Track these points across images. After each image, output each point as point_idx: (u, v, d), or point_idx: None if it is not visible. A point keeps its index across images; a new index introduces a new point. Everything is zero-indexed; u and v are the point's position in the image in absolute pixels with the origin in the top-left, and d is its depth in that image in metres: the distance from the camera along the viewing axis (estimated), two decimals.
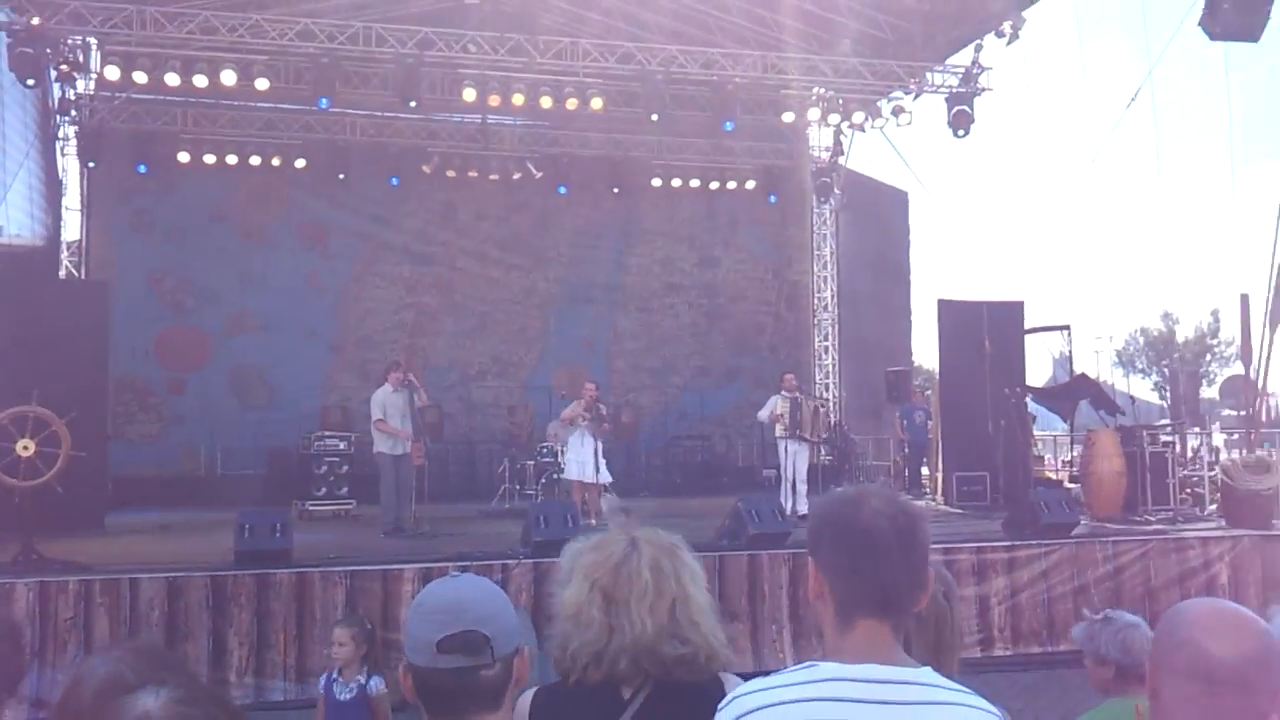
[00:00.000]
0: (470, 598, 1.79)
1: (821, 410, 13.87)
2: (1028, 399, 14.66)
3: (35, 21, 12.86)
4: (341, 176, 17.67)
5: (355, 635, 5.89)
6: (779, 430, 13.30)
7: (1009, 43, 14.76)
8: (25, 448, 9.05)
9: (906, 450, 16.77)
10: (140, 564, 8.95)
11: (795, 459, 13.04)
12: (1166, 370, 41.17)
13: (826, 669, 1.74)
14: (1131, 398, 17.94)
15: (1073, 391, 14.64)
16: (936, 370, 16.50)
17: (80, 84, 16.53)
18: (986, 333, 14.26)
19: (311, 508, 13.55)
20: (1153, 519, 11.80)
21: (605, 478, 12.57)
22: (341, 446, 14.11)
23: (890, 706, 1.69)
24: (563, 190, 18.86)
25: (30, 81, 13.59)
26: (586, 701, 2.15)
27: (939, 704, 1.71)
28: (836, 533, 1.80)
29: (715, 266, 20.10)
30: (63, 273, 17.07)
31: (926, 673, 1.77)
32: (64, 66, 14.75)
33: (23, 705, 4.21)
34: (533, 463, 14.10)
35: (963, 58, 15.88)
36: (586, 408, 12.52)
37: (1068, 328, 16.10)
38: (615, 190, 18.89)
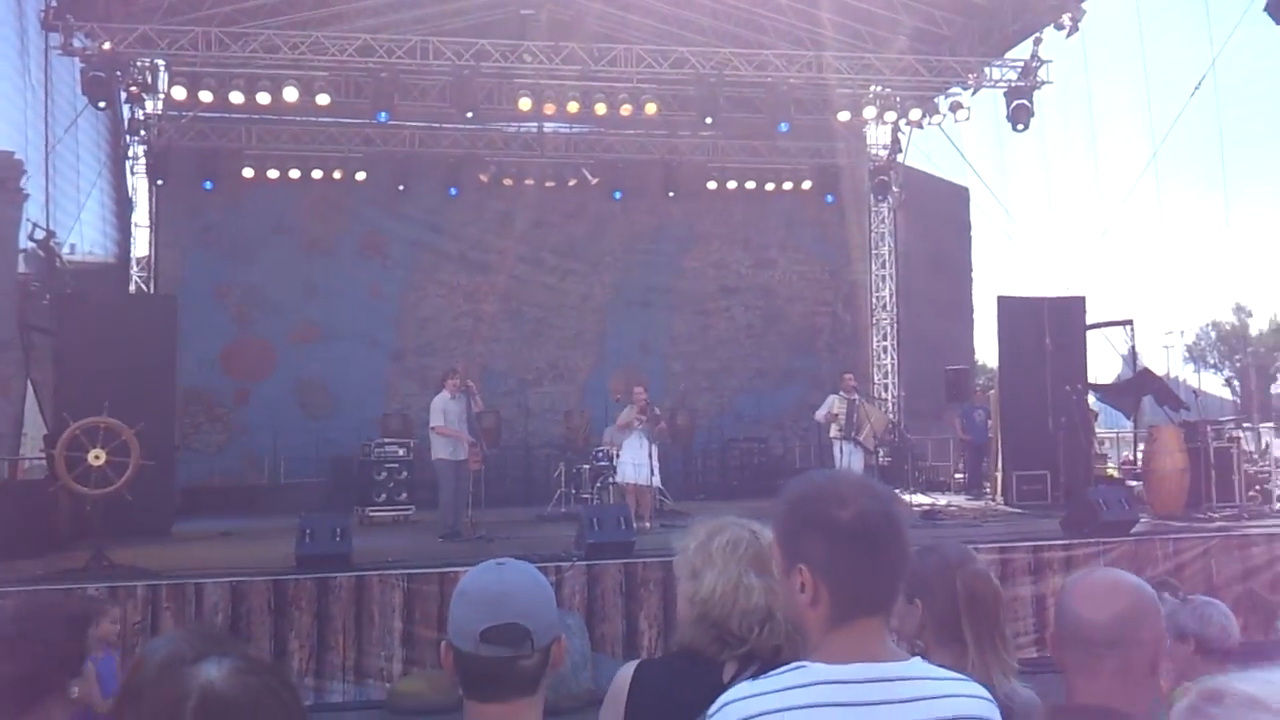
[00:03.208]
0: (514, 590, 1.85)
1: (891, 421, 13.70)
2: (1090, 396, 14.41)
3: (106, 46, 13.32)
4: (401, 188, 17.97)
5: None
6: (834, 430, 13.26)
7: (1068, 35, 14.55)
8: (97, 457, 9.37)
9: (966, 450, 16.58)
10: (205, 570, 9.20)
11: (850, 459, 12.98)
12: (1239, 365, 40.05)
13: (816, 671, 1.68)
14: (1195, 393, 17.49)
15: (1136, 388, 14.35)
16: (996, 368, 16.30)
17: (149, 104, 17.06)
18: (1047, 329, 14.08)
19: (372, 513, 13.78)
20: (1216, 516, 11.55)
21: (656, 482, 12.61)
22: (401, 453, 14.34)
23: (883, 707, 1.65)
24: (618, 195, 18.96)
25: (102, 104, 14.08)
26: (687, 677, 2.19)
27: (932, 697, 1.69)
28: (830, 535, 1.71)
29: (771, 268, 20.01)
30: (132, 288, 17.60)
31: (917, 664, 1.74)
32: (133, 88, 15.24)
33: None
34: (588, 467, 14.21)
35: (1021, 51, 15.68)
36: (640, 411, 12.57)
37: (1130, 322, 15.78)
38: (670, 194, 18.90)
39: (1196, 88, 15.72)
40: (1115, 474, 15.46)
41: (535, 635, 1.81)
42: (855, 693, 1.66)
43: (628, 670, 2.31)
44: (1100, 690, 1.88)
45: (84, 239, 15.96)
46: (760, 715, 1.65)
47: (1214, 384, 42.47)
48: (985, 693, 1.78)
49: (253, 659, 1.36)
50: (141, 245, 17.99)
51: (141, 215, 17.98)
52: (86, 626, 2.41)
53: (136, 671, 1.49)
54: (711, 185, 19.20)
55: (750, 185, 19.29)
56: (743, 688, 1.73)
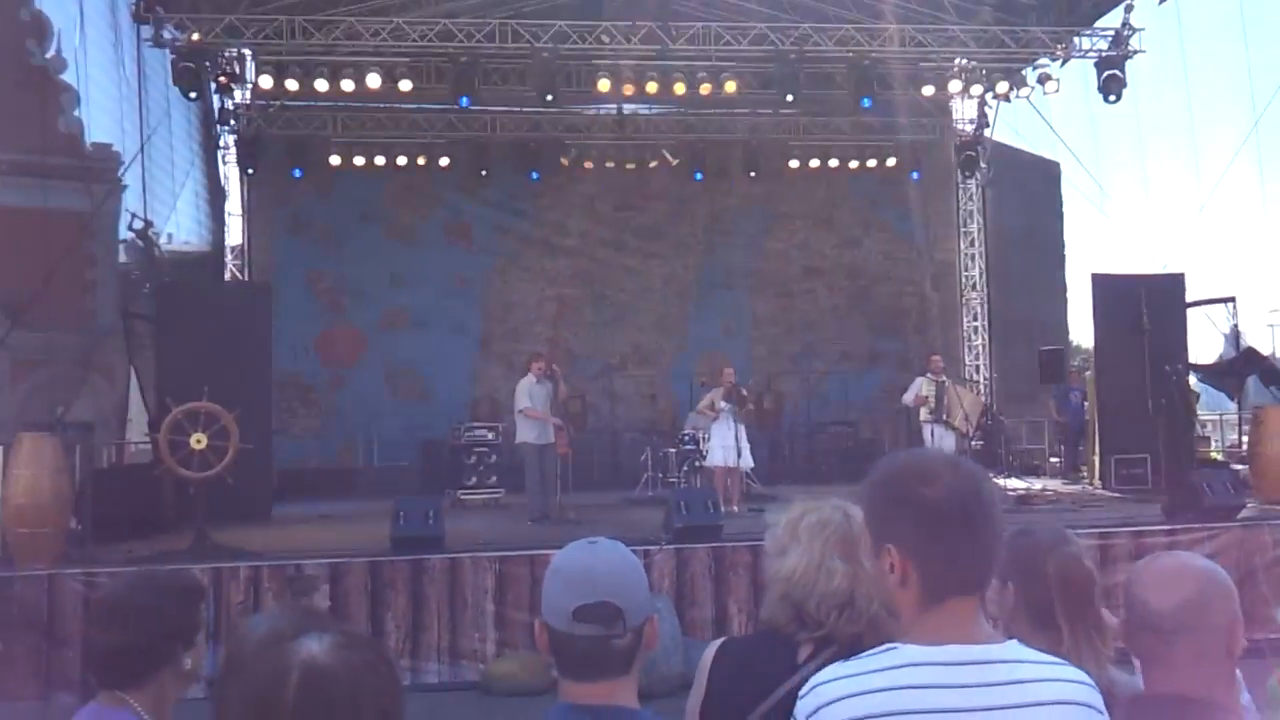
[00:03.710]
0: (606, 568, 1.86)
1: (968, 400, 13.45)
2: (1191, 377, 13.96)
3: (195, 37, 13.61)
4: (484, 173, 18.10)
5: None
6: (924, 414, 13.05)
7: (1161, 1, 14.06)
8: (198, 441, 9.54)
9: (1062, 434, 16.20)
10: (304, 551, 9.41)
11: (942, 443, 12.72)
12: None
13: (908, 652, 1.65)
14: None
15: (1240, 368, 13.87)
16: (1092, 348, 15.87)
17: (237, 94, 17.40)
18: (1145, 308, 13.65)
19: (463, 496, 13.93)
20: None
21: (748, 463, 12.53)
22: (490, 437, 14.47)
23: (978, 689, 1.61)
24: (699, 176, 18.81)
25: (193, 94, 14.40)
26: (764, 656, 2.23)
27: (1030, 681, 1.64)
28: (918, 514, 1.68)
29: (856, 248, 19.74)
30: (227, 275, 18.04)
31: (1013, 647, 1.69)
32: (222, 78, 15.54)
33: (200, 684, 4.49)
34: (675, 450, 14.18)
35: (1112, 19, 15.19)
36: (726, 394, 12.50)
37: (1233, 300, 15.25)
38: (752, 174, 18.72)
39: None
40: (1219, 458, 14.96)
41: (627, 614, 1.81)
42: (949, 674, 1.62)
43: (712, 647, 2.35)
44: (1176, 678, 1.86)
45: (180, 228, 16.37)
46: (853, 696, 1.63)
47: None
48: (1086, 678, 1.72)
49: (353, 635, 1.38)
50: (235, 234, 18.44)
51: (234, 204, 18.43)
52: (201, 600, 2.47)
53: (238, 646, 1.52)
54: (794, 164, 18.97)
55: (833, 163, 18.99)
56: (835, 669, 1.71)
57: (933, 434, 12.86)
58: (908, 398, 13.34)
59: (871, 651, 1.70)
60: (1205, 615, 1.85)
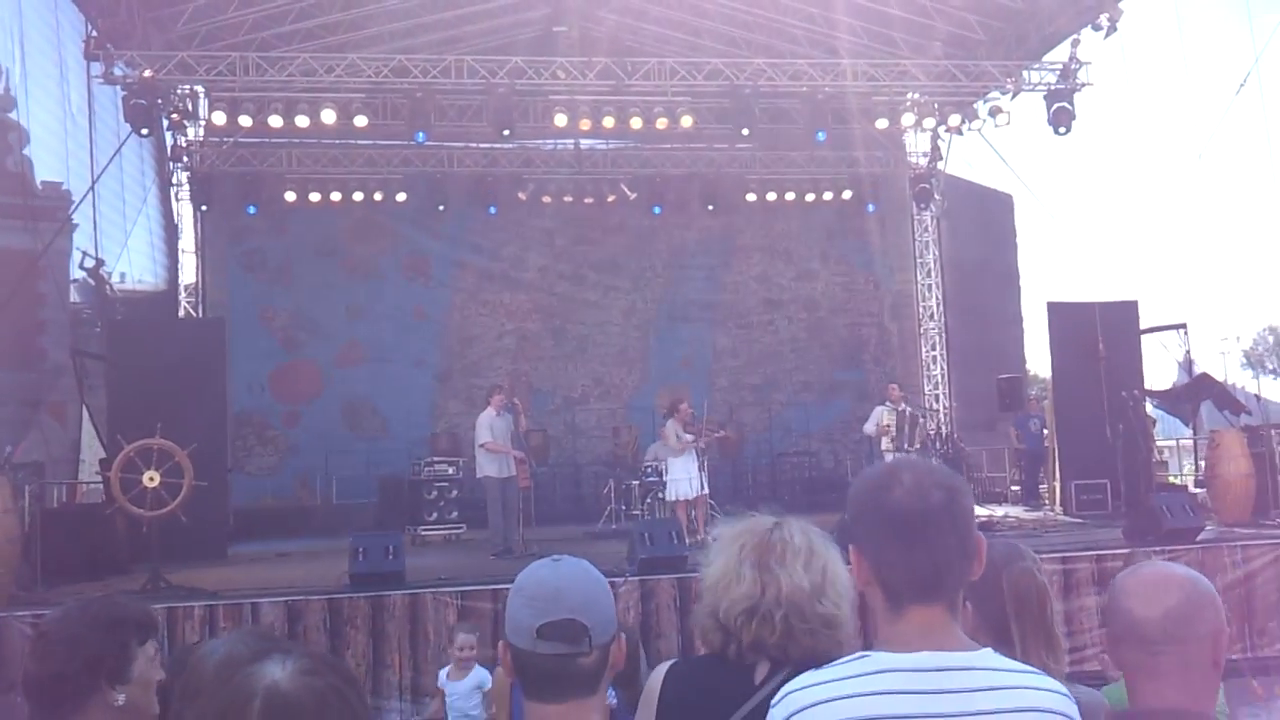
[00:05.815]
0: (570, 585, 1.81)
1: (921, 421, 13.55)
2: (1147, 402, 14.13)
3: (147, 74, 13.47)
4: (441, 208, 18.06)
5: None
6: (885, 443, 13.07)
7: (1106, 35, 14.36)
8: (151, 479, 9.36)
9: (1022, 460, 16.31)
10: (260, 589, 9.19)
11: None
12: None
13: (879, 659, 1.67)
14: (1257, 397, 17.07)
15: (1194, 393, 14.05)
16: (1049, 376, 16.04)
17: (190, 131, 17.28)
18: (1100, 335, 13.81)
19: (423, 532, 13.75)
20: None
21: (704, 490, 12.47)
22: (450, 471, 14.32)
23: (949, 695, 1.62)
24: (657, 210, 18.93)
25: (145, 131, 14.23)
26: (718, 678, 2.16)
27: (1002, 688, 1.64)
28: (871, 516, 1.73)
29: (814, 280, 19.89)
30: (181, 312, 17.77)
31: (987, 654, 1.70)
32: (175, 115, 15.40)
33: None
34: (637, 483, 14.10)
35: (1060, 53, 15.51)
36: (687, 429, 12.43)
37: (1184, 326, 15.49)
38: (709, 207, 18.86)
39: (1241, 84, 15.52)
40: (1178, 482, 15.10)
41: (593, 631, 1.77)
42: (922, 680, 1.63)
43: (661, 669, 2.28)
44: (1165, 690, 1.84)
45: (133, 266, 16.15)
46: (826, 702, 1.64)
47: (1274, 390, 41.70)
48: (1061, 687, 1.72)
49: (317, 658, 1.35)
50: (189, 271, 18.22)
51: (188, 241, 18.23)
52: (134, 634, 2.34)
53: (194, 672, 1.45)
54: (751, 197, 19.13)
55: (790, 196, 19.18)
56: (806, 676, 1.71)
57: None
58: (868, 428, 13.35)
59: (844, 659, 1.71)
60: (1191, 625, 1.83)
